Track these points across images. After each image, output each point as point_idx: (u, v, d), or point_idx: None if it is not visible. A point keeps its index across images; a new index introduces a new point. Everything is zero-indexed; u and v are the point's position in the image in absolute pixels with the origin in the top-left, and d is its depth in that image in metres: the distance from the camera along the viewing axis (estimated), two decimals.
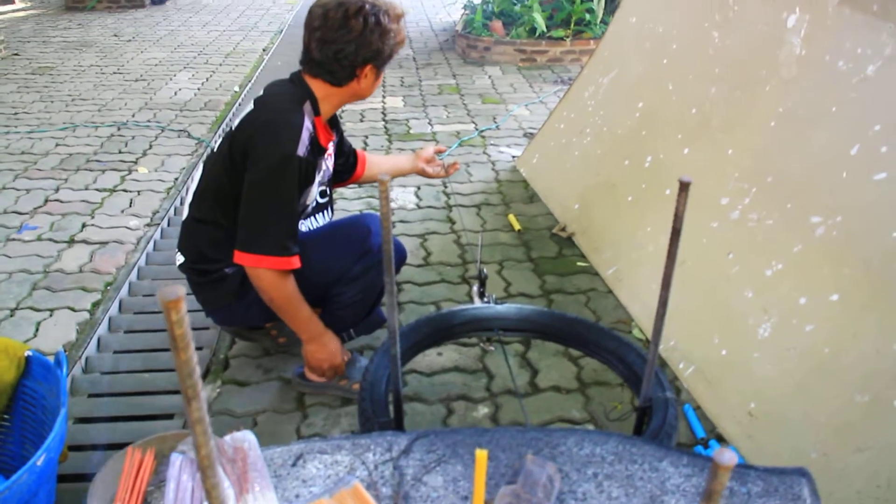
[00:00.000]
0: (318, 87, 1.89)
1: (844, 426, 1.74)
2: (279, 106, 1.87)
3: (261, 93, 1.96)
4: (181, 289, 0.61)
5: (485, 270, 2.04)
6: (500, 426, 1.83)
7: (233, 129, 1.91)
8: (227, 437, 1.19)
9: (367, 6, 1.80)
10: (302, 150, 1.80)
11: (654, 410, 1.47)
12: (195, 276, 2.07)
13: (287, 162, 1.78)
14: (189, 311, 0.84)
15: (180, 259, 2.09)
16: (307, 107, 1.88)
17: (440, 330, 1.81)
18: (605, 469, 1.17)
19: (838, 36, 2.26)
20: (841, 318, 1.90)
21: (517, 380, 2.24)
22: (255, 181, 1.81)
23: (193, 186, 2.06)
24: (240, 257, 1.84)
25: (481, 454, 0.92)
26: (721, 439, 1.96)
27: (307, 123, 1.84)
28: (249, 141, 1.82)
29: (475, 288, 2.05)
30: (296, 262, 1.86)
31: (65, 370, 1.51)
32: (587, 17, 6.44)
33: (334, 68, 1.84)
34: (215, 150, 2.00)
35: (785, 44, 2.46)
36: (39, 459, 1.31)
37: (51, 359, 1.61)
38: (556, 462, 1.18)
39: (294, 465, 1.20)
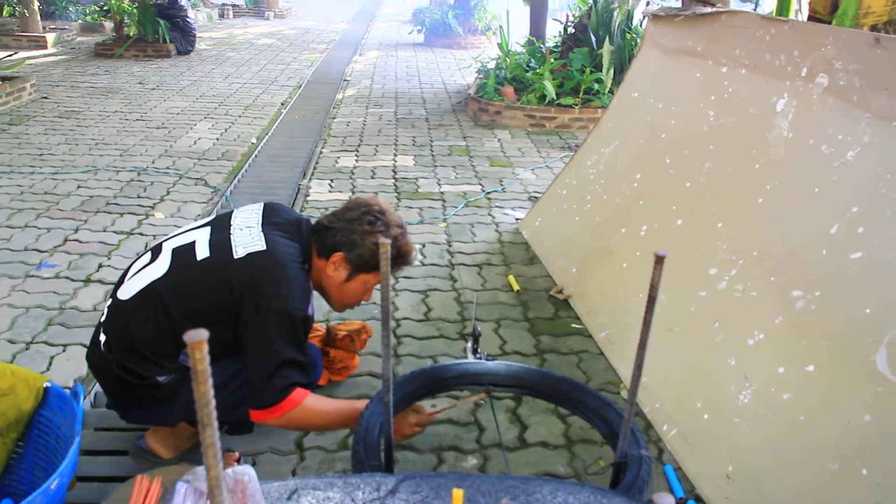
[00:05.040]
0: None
1: (816, 493, 1.82)
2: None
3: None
4: (205, 332, 0.73)
5: (479, 328, 2.15)
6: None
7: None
8: (229, 471, 1.29)
9: (376, 209, 1.95)
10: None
11: (629, 466, 1.56)
12: (118, 369, 1.86)
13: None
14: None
15: (102, 338, 1.91)
16: None
17: (433, 382, 1.91)
18: None
19: (822, 122, 2.41)
20: (816, 388, 1.99)
21: (506, 434, 2.32)
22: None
23: (146, 268, 1.90)
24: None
25: (457, 493, 1.03)
26: (699, 500, 2.04)
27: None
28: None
29: (469, 344, 2.16)
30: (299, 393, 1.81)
31: (82, 402, 1.62)
32: (596, 86, 6.68)
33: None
34: (202, 259, 1.86)
35: (774, 126, 2.61)
36: (53, 483, 1.41)
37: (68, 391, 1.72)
38: None
39: (289, 498, 1.29)
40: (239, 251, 1.82)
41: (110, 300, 1.94)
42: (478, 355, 2.11)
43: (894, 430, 1.75)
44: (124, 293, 1.87)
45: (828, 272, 2.16)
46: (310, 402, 1.80)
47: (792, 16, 3.49)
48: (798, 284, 2.22)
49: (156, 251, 1.93)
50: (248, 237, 1.85)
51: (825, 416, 1.92)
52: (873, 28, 2.90)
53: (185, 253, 1.87)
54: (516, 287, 3.37)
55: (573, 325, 3.03)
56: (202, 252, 1.84)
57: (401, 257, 1.96)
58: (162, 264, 1.85)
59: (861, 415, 1.84)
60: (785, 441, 1.97)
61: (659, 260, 1.36)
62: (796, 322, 2.16)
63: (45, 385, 1.73)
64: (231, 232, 1.88)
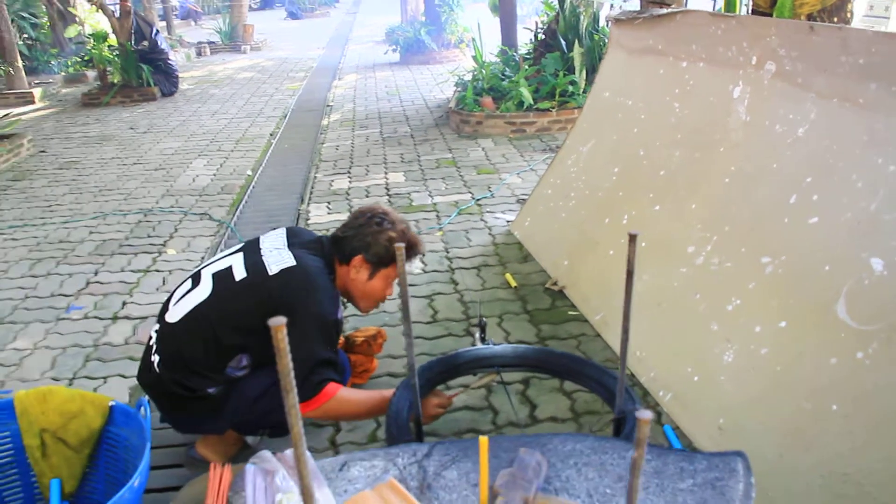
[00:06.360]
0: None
1: (795, 430, 2.06)
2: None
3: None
4: (283, 318, 0.96)
5: (484, 318, 2.39)
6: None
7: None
8: (287, 452, 1.53)
9: (380, 211, 2.24)
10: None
11: (626, 420, 1.80)
12: (173, 385, 2.09)
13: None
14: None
15: (155, 359, 2.13)
16: None
17: (450, 368, 2.15)
18: (583, 459, 1.50)
19: (774, 104, 2.66)
20: (789, 341, 2.24)
21: (518, 413, 2.56)
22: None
23: (189, 293, 2.14)
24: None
25: (483, 439, 1.26)
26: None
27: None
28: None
29: (477, 334, 2.40)
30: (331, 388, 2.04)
31: (149, 413, 1.85)
32: (570, 88, 6.95)
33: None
34: (239, 278, 2.11)
35: (733, 112, 2.87)
36: (136, 481, 1.64)
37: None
38: (544, 455, 1.51)
39: (340, 470, 1.53)
40: (273, 269, 2.07)
41: (157, 326, 2.18)
42: (486, 342, 2.35)
43: (855, 368, 1.99)
44: (172, 317, 2.11)
45: (790, 238, 2.41)
46: (343, 394, 2.04)
47: (739, 11, 3.75)
48: (766, 252, 2.47)
49: (196, 278, 2.18)
50: (278, 256, 2.10)
51: (798, 364, 2.17)
52: (809, 17, 3.17)
53: (224, 276, 2.11)
54: (514, 283, 3.61)
55: (569, 313, 3.28)
56: (240, 274, 2.09)
57: (411, 248, 2.23)
58: (204, 288, 2.10)
59: (828, 358, 2.08)
60: (766, 390, 2.22)
61: (632, 238, 1.60)
62: (767, 285, 2.41)
63: (110, 404, 1.96)
64: (262, 254, 2.13)
